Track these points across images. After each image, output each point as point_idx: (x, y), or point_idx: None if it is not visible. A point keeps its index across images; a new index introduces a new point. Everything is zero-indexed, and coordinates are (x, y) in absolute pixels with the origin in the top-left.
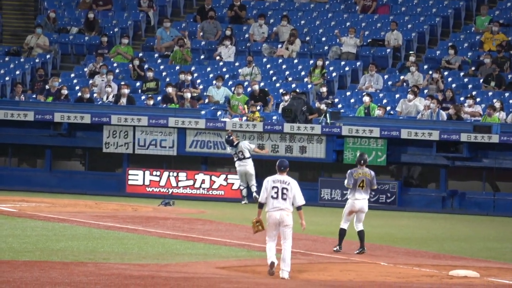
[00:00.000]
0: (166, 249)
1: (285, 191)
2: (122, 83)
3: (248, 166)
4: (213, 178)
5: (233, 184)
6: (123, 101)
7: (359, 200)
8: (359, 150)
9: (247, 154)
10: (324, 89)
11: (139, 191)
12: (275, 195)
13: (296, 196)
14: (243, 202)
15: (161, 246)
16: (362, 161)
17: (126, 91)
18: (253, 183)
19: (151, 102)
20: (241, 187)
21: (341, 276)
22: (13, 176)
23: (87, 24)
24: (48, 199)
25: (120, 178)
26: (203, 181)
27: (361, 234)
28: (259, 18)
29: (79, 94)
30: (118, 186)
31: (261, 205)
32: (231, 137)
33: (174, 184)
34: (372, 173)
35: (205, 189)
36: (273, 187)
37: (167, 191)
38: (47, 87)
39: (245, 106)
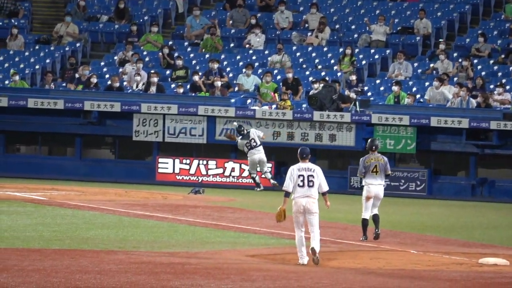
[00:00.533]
0: (196, 237)
1: (311, 178)
2: (152, 71)
3: (262, 152)
4: (243, 166)
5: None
6: (153, 89)
7: (374, 185)
8: (388, 138)
9: (258, 141)
10: (353, 77)
11: (169, 179)
12: (301, 183)
13: (322, 183)
14: (259, 189)
15: (191, 234)
16: (373, 147)
17: (155, 79)
18: (266, 169)
19: (181, 90)
20: (253, 175)
21: (371, 264)
22: (43, 165)
23: (117, 12)
24: (78, 187)
25: (150, 166)
26: (232, 169)
27: (375, 217)
28: (279, 5)
29: (109, 82)
30: (148, 174)
31: (288, 194)
32: (242, 127)
33: (204, 172)
34: (385, 158)
35: (235, 177)
36: (299, 176)
37: (197, 179)
38: (77, 75)
39: (276, 94)
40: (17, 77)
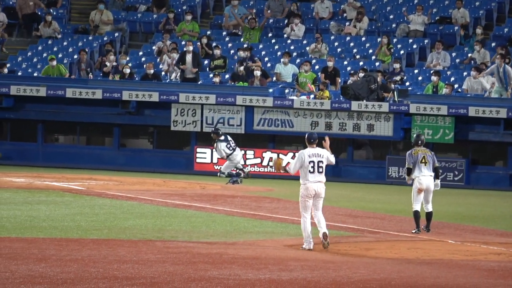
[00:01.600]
0: (234, 227)
1: (320, 163)
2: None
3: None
4: (281, 156)
5: None
6: (189, 66)
7: (425, 176)
8: (427, 128)
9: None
10: (397, 66)
11: (207, 169)
12: (312, 170)
13: (330, 159)
14: (243, 176)
15: (228, 224)
16: (419, 142)
17: (193, 69)
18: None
19: (218, 79)
20: (224, 175)
21: (408, 253)
22: (81, 154)
23: (155, 1)
24: (116, 177)
25: (188, 156)
26: (270, 159)
27: (428, 215)
28: None
29: (146, 70)
30: (186, 164)
31: (286, 171)
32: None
33: (241, 162)
34: (432, 152)
35: (273, 167)
36: (309, 162)
37: (235, 169)
38: (114, 63)
39: (313, 85)
40: (54, 62)
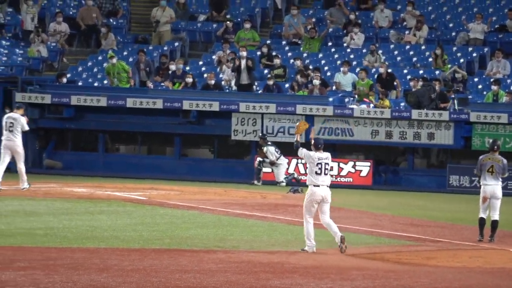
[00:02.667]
0: (295, 236)
1: (327, 166)
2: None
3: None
4: (341, 165)
5: (361, 171)
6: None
7: (489, 185)
8: (487, 136)
9: None
10: (460, 73)
11: (268, 178)
12: (319, 171)
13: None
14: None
15: (290, 233)
16: (495, 147)
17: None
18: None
19: (272, 82)
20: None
21: (470, 262)
22: (142, 164)
23: (214, 5)
24: (177, 186)
25: (249, 165)
26: (331, 168)
27: (493, 224)
28: (379, 3)
29: (207, 80)
30: (247, 173)
31: (298, 147)
32: (266, 136)
33: (302, 171)
34: (504, 160)
35: (333, 176)
36: (317, 163)
37: (292, 175)
38: (172, 68)
39: (370, 97)
40: (114, 60)
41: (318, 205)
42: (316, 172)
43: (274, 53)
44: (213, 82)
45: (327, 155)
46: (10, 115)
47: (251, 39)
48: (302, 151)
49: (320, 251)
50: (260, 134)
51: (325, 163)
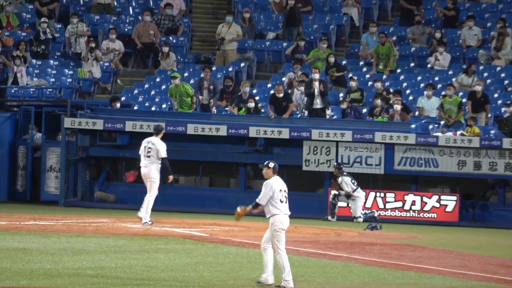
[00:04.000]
0: (373, 278)
1: (285, 194)
2: None
3: None
4: (425, 199)
5: (446, 206)
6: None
7: None
8: None
9: None
10: None
11: (342, 214)
12: (283, 199)
13: None
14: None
15: (367, 275)
16: None
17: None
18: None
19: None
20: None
21: None
22: (204, 197)
23: (287, 18)
24: (242, 222)
25: (322, 199)
26: (413, 203)
27: None
28: (467, 20)
29: (271, 92)
30: (320, 207)
31: (257, 206)
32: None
33: (381, 205)
34: None
35: (416, 211)
36: (280, 190)
37: (372, 213)
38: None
39: (458, 112)
40: (177, 80)
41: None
42: (280, 200)
43: (350, 75)
44: (281, 95)
45: (283, 181)
46: (150, 139)
47: (324, 60)
48: (261, 200)
49: None
50: (335, 164)
51: (284, 190)
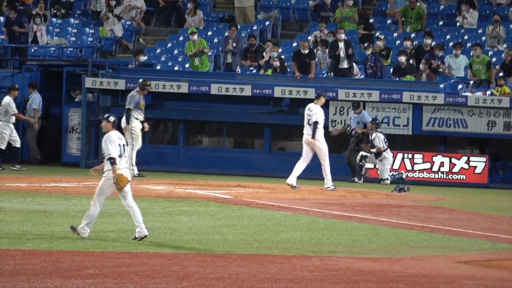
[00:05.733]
0: (400, 241)
1: (125, 147)
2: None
3: None
4: (453, 160)
5: (475, 167)
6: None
7: None
8: None
9: None
10: None
11: (370, 176)
12: (122, 153)
13: None
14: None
15: (394, 237)
16: None
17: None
18: None
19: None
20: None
21: None
22: (228, 159)
23: None
24: (267, 184)
25: (349, 160)
26: (441, 164)
27: None
28: None
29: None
30: (346, 169)
31: (115, 161)
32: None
33: (409, 167)
34: None
35: (444, 173)
36: (119, 144)
37: (400, 175)
38: (265, 56)
39: (489, 71)
40: (195, 36)
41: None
42: (119, 155)
43: (377, 34)
44: (306, 51)
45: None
46: (309, 106)
47: (352, 19)
48: (111, 153)
49: (428, 258)
50: (372, 119)
51: (123, 144)
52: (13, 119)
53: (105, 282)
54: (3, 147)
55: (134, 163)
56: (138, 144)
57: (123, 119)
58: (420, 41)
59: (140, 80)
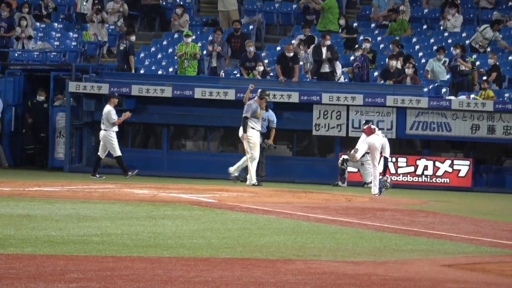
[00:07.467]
0: (384, 245)
1: None
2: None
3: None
4: (437, 164)
5: (459, 171)
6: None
7: None
8: None
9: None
10: None
11: (353, 179)
12: None
13: None
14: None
15: (378, 241)
16: None
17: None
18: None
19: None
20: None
21: None
22: (212, 163)
23: None
24: (251, 188)
25: (332, 164)
26: (425, 168)
27: None
28: None
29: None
30: (330, 173)
31: None
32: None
33: (393, 171)
34: None
35: (428, 176)
36: None
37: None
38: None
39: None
40: (189, 39)
41: None
42: None
43: (361, 37)
44: (291, 54)
45: None
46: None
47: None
48: None
49: (412, 261)
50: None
51: None
52: (116, 127)
53: (89, 286)
54: (119, 153)
55: (253, 174)
56: (256, 153)
57: (240, 128)
58: (404, 44)
59: (259, 89)
